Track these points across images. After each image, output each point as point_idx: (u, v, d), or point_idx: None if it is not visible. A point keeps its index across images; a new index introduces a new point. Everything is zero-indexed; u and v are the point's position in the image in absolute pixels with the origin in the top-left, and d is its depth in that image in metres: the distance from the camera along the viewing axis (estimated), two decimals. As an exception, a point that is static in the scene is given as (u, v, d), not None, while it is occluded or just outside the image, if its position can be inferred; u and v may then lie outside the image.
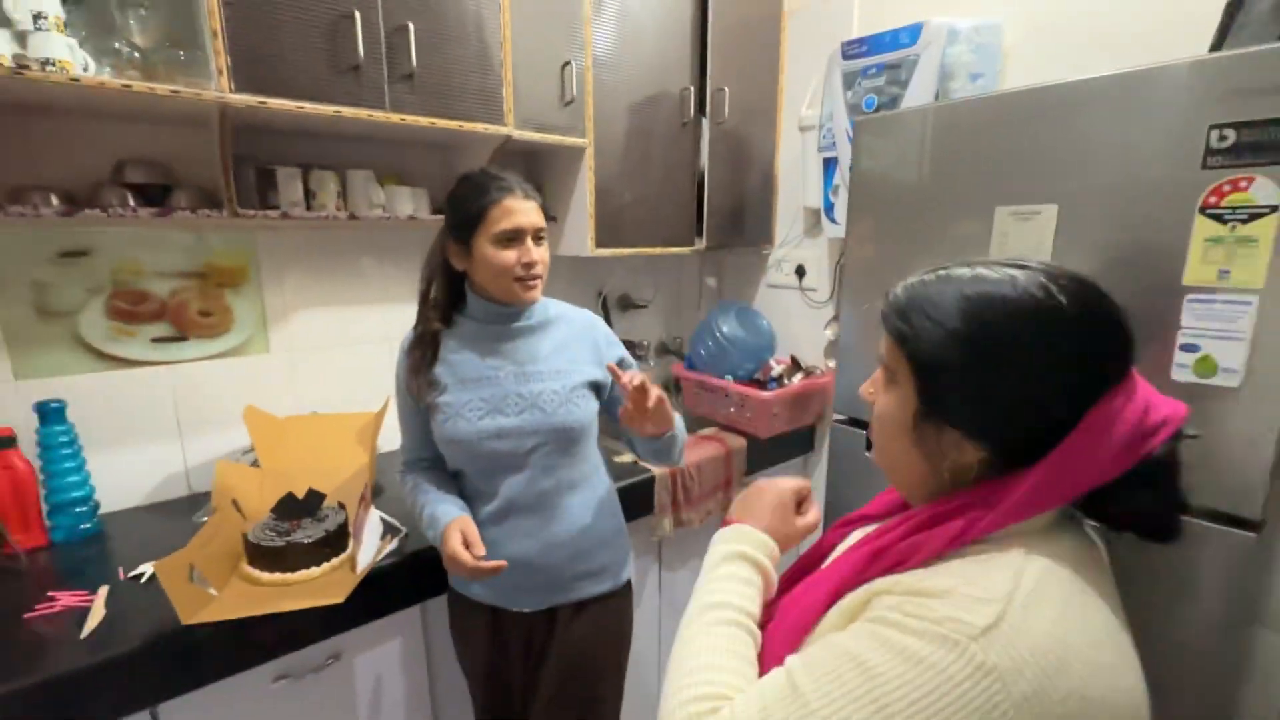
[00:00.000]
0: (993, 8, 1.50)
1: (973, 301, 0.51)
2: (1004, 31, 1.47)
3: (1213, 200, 0.75)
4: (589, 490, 1.15)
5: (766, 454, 1.92)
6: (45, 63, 0.97)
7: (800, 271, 2.07)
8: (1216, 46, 1.03)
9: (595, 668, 1.17)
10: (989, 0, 1.52)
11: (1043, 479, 0.49)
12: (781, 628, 0.59)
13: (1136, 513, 0.52)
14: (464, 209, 1.03)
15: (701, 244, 1.93)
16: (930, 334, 0.52)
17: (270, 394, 1.52)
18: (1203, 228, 0.77)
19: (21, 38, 0.97)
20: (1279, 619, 0.95)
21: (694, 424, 1.98)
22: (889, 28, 1.52)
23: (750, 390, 1.86)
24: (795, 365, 2.01)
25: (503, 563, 0.99)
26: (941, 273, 0.55)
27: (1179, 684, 0.87)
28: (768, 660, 0.59)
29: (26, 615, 1.01)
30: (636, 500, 1.56)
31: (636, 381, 0.97)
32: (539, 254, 1.05)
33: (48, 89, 0.98)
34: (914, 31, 1.42)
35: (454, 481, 1.16)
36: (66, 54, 0.99)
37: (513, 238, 1.02)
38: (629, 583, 1.22)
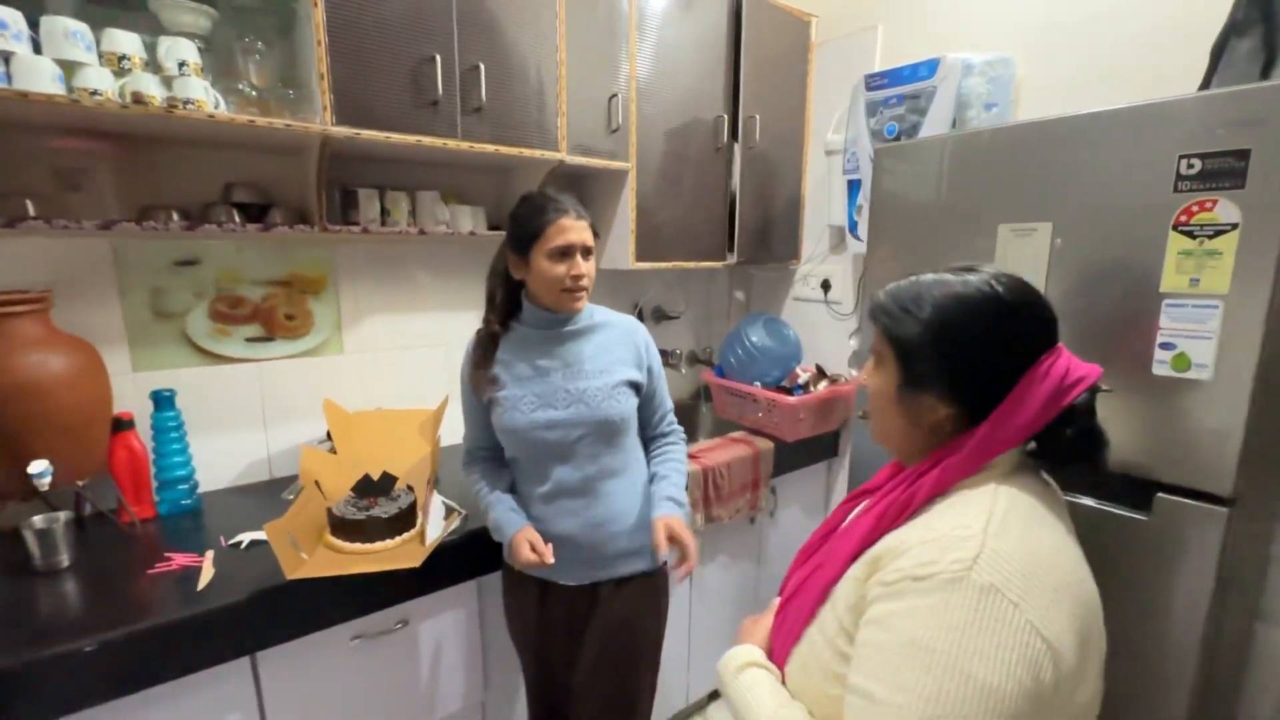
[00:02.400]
0: (1005, 43, 1.63)
1: (937, 297, 0.68)
2: (1016, 64, 1.60)
3: (1183, 219, 0.87)
4: (628, 477, 1.26)
5: (792, 457, 2.02)
6: (186, 102, 1.16)
7: (826, 285, 2.19)
8: (1205, 84, 1.14)
9: (634, 641, 1.27)
10: (1002, 35, 1.65)
11: (995, 424, 0.64)
12: (814, 584, 0.72)
13: (1068, 448, 0.67)
14: (524, 226, 1.16)
15: (733, 259, 2.07)
16: (907, 323, 0.69)
17: (342, 390, 1.69)
18: (1175, 242, 0.88)
19: (168, 82, 1.16)
20: (1247, 583, 1.08)
21: (722, 427, 2.10)
22: (908, 60, 1.65)
23: (778, 396, 1.98)
24: (820, 374, 2.12)
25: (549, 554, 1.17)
26: (912, 278, 0.72)
27: (1161, 639, 0.99)
28: (800, 609, 0.71)
29: (149, 571, 1.18)
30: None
31: (680, 574, 1.21)
32: (586, 268, 1.17)
33: (189, 124, 1.17)
34: (932, 66, 1.55)
35: (509, 470, 1.30)
36: (203, 94, 1.18)
37: (565, 253, 1.15)
38: (665, 564, 1.33)
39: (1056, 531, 0.63)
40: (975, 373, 0.65)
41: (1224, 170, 0.83)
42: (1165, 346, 0.91)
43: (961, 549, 0.57)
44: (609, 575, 1.25)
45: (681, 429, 1.40)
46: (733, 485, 1.86)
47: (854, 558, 0.68)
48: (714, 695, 2.12)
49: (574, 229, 1.15)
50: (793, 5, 2.10)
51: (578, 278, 1.16)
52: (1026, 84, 1.62)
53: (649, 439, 1.37)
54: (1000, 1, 1.67)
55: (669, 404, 1.38)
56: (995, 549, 0.57)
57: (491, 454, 1.31)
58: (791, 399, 1.94)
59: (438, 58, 1.36)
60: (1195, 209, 0.85)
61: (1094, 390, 0.66)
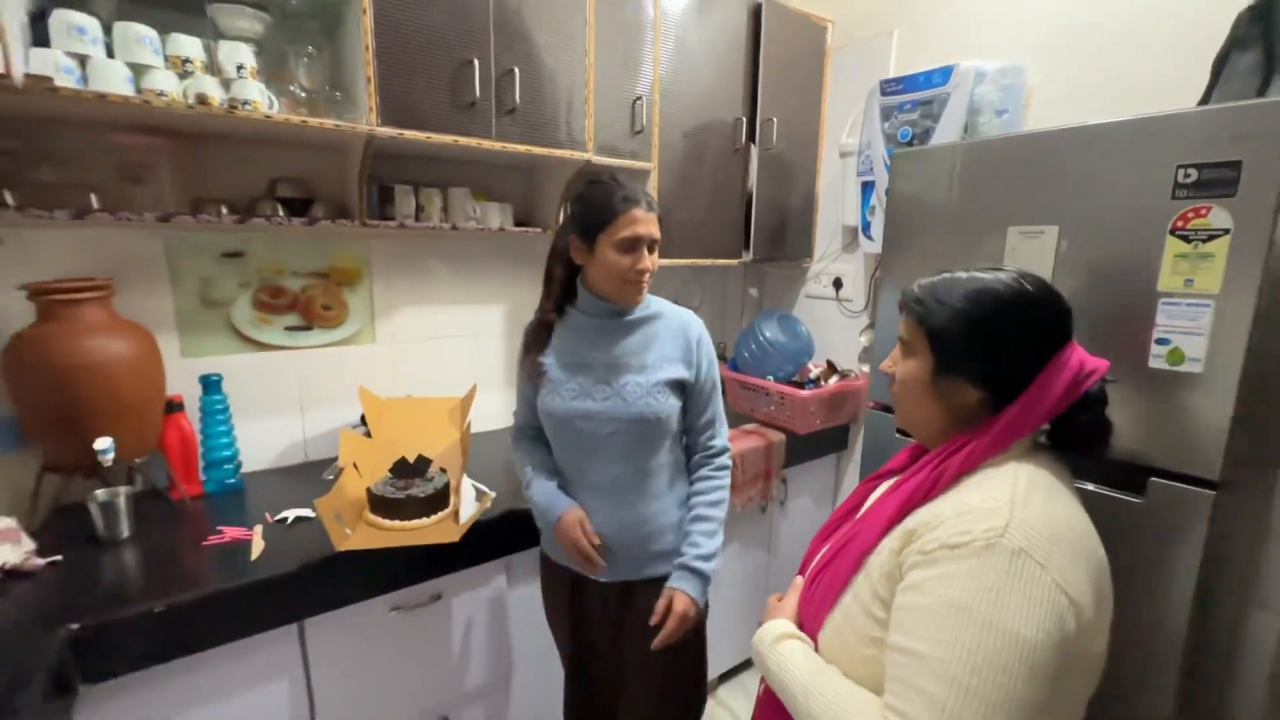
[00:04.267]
0: (1017, 51, 1.69)
1: (971, 290, 0.75)
2: (1027, 72, 1.66)
3: (1180, 224, 0.94)
4: (662, 480, 1.22)
5: (803, 449, 2.09)
6: (245, 103, 1.23)
7: (838, 283, 2.26)
8: (1207, 96, 1.20)
9: (668, 654, 1.20)
10: (1014, 44, 1.71)
11: (1020, 409, 0.71)
12: (847, 556, 0.78)
13: (1080, 433, 0.75)
14: (594, 212, 1.13)
15: (748, 256, 2.14)
16: (942, 313, 0.75)
17: (375, 377, 1.77)
18: (1172, 246, 0.95)
19: (227, 84, 1.24)
20: (1235, 566, 1.14)
21: (736, 419, 2.17)
22: (922, 66, 1.72)
23: (790, 390, 2.05)
24: (831, 369, 2.19)
25: (602, 562, 1.17)
26: (945, 274, 0.79)
27: (1153, 616, 1.06)
28: (833, 581, 0.77)
29: (203, 543, 1.26)
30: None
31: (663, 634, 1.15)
32: (651, 262, 1.15)
33: (246, 123, 1.24)
34: (945, 73, 1.61)
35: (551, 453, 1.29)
36: (259, 96, 1.25)
37: (633, 245, 1.12)
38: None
39: (1071, 503, 0.70)
40: (1005, 360, 0.72)
41: (1218, 180, 0.89)
42: (1161, 342, 0.98)
43: (992, 519, 0.64)
44: (641, 575, 1.23)
45: (728, 449, 1.30)
46: (745, 475, 1.93)
47: (886, 531, 0.74)
48: (724, 678, 2.20)
49: (644, 221, 1.12)
50: (810, 10, 2.16)
51: (642, 271, 1.14)
52: (1037, 91, 1.68)
53: (692, 451, 1.29)
54: (1012, 11, 1.73)
55: (716, 414, 1.28)
56: (1022, 518, 0.64)
57: (539, 433, 1.31)
58: (803, 393, 2.01)
59: (476, 62, 1.43)
60: (1191, 215, 0.92)
61: (1104, 380, 0.73)
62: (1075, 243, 1.09)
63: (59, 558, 1.16)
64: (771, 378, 2.14)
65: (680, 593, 1.17)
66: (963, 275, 0.77)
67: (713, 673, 2.10)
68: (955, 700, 0.60)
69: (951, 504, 0.69)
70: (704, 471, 1.27)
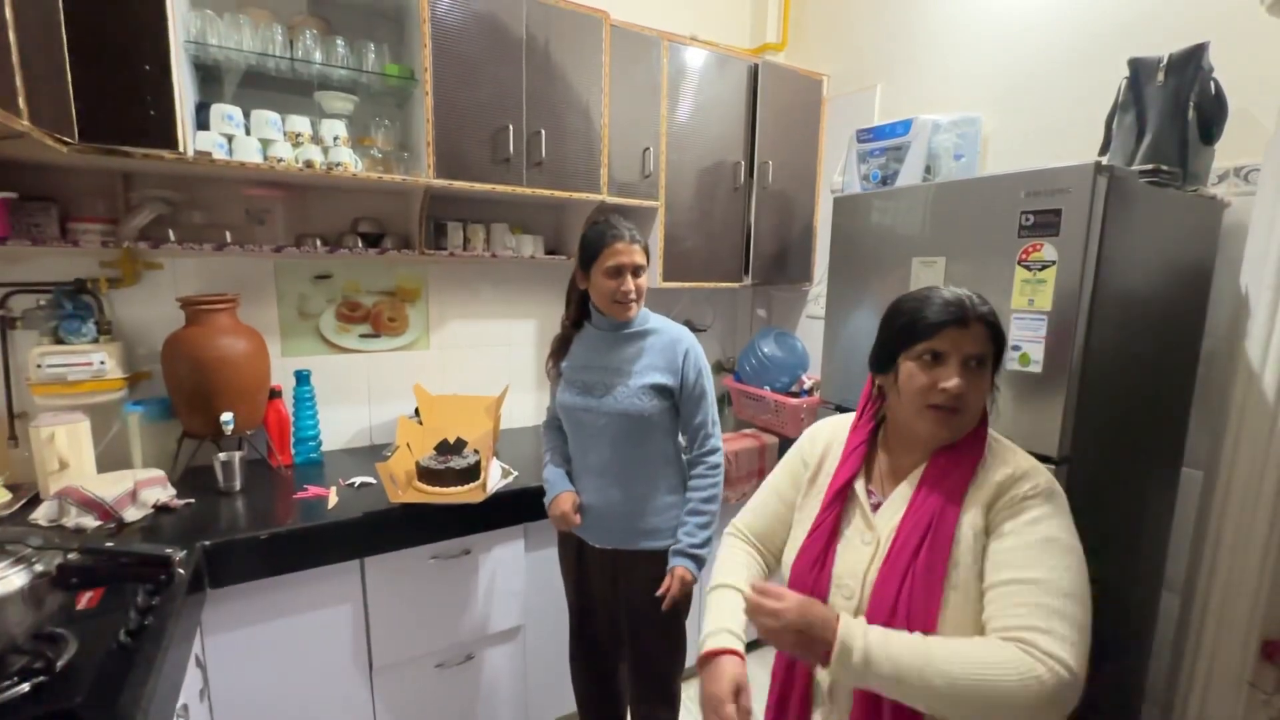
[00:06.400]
0: (976, 103, 1.94)
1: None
2: (982, 122, 1.90)
3: (1024, 256, 1.18)
4: (649, 468, 1.46)
5: (796, 452, 2.33)
6: (337, 164, 1.65)
7: (833, 305, 2.51)
8: (1105, 148, 1.43)
9: (650, 613, 1.44)
10: (973, 97, 1.96)
11: None
12: (926, 569, 0.81)
13: None
14: (588, 247, 1.41)
15: (748, 280, 2.42)
16: (996, 319, 0.87)
17: (428, 377, 2.15)
18: (1019, 273, 1.20)
19: (325, 150, 1.66)
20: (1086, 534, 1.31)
21: (738, 424, 2.44)
22: (899, 116, 1.98)
23: (784, 399, 2.31)
24: (824, 381, 2.43)
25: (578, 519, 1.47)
26: (961, 289, 0.88)
27: None
28: (929, 588, 0.80)
29: (293, 496, 1.64)
30: (683, 472, 2.03)
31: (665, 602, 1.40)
32: (633, 284, 1.39)
33: (339, 180, 1.66)
34: (907, 125, 1.87)
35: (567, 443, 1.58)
36: (348, 158, 1.67)
37: (617, 271, 1.38)
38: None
39: None
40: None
41: (1047, 223, 1.14)
42: (1015, 348, 1.21)
43: (1043, 471, 0.84)
44: (627, 547, 1.47)
45: (718, 450, 1.47)
46: (740, 472, 2.19)
47: (957, 523, 0.82)
48: (723, 659, 2.42)
49: (626, 251, 1.38)
50: (805, 68, 2.46)
51: (625, 293, 1.40)
52: (992, 139, 1.92)
53: (688, 449, 1.50)
54: (973, 67, 1.99)
55: (706, 418, 1.46)
56: (1043, 466, 0.85)
57: (561, 424, 1.59)
58: (794, 401, 2.26)
59: (510, 126, 1.81)
60: (1031, 249, 1.16)
61: None
62: (958, 269, 1.34)
63: (192, 500, 1.56)
64: (769, 388, 2.40)
65: (680, 567, 1.42)
66: (955, 289, 0.88)
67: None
68: (1069, 605, 0.74)
69: (1011, 465, 0.84)
70: (698, 470, 1.47)
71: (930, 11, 2.13)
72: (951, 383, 0.82)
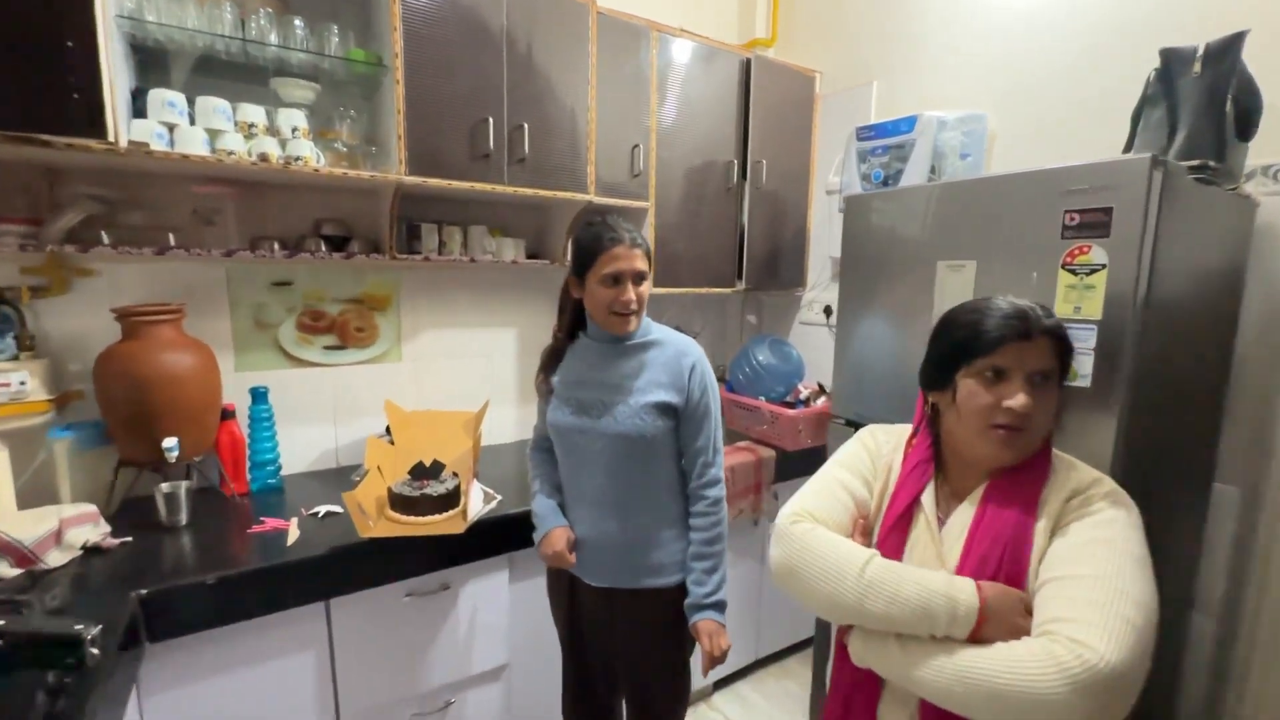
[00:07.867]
0: (980, 101, 1.86)
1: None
2: (989, 119, 1.82)
3: (1068, 260, 1.08)
4: (651, 497, 1.29)
5: (794, 465, 2.22)
6: (297, 159, 1.48)
7: (828, 310, 2.41)
8: (1129, 144, 1.35)
9: (651, 655, 1.33)
10: (977, 95, 1.88)
11: None
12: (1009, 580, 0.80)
13: None
14: (583, 252, 1.25)
15: (741, 285, 2.31)
16: (1064, 332, 0.85)
17: (400, 392, 1.98)
18: (1063, 279, 1.10)
19: (284, 143, 1.49)
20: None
21: (733, 437, 2.32)
22: (898, 114, 1.89)
23: (780, 409, 2.19)
24: (821, 390, 2.32)
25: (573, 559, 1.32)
26: (1020, 300, 0.86)
27: None
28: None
29: (248, 530, 1.46)
30: (679, 491, 1.90)
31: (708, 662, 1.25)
32: (634, 293, 1.23)
33: (299, 175, 1.49)
34: (911, 121, 1.79)
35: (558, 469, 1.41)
36: (309, 152, 1.50)
37: (616, 279, 1.22)
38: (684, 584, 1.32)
39: None
40: None
41: (1095, 223, 1.04)
42: None
43: (1103, 481, 0.82)
44: (626, 585, 1.31)
45: (719, 482, 1.31)
46: (737, 487, 2.07)
47: (1033, 525, 0.81)
48: (719, 685, 2.30)
49: (625, 257, 1.21)
50: (797, 64, 2.36)
51: (625, 303, 1.23)
52: (999, 136, 1.84)
53: (688, 477, 1.32)
54: (975, 64, 1.91)
55: (707, 443, 1.29)
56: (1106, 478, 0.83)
57: (551, 446, 1.43)
58: (791, 412, 2.15)
59: (490, 120, 1.66)
60: (1076, 253, 1.06)
61: None
62: (989, 274, 1.24)
63: (129, 538, 1.37)
64: (764, 398, 2.29)
65: (705, 621, 1.26)
66: (1014, 299, 0.86)
67: (709, 680, 2.21)
68: (1118, 601, 0.72)
69: (1078, 476, 0.83)
70: (699, 508, 1.30)
71: (929, 4, 2.05)
72: (1017, 401, 0.79)
